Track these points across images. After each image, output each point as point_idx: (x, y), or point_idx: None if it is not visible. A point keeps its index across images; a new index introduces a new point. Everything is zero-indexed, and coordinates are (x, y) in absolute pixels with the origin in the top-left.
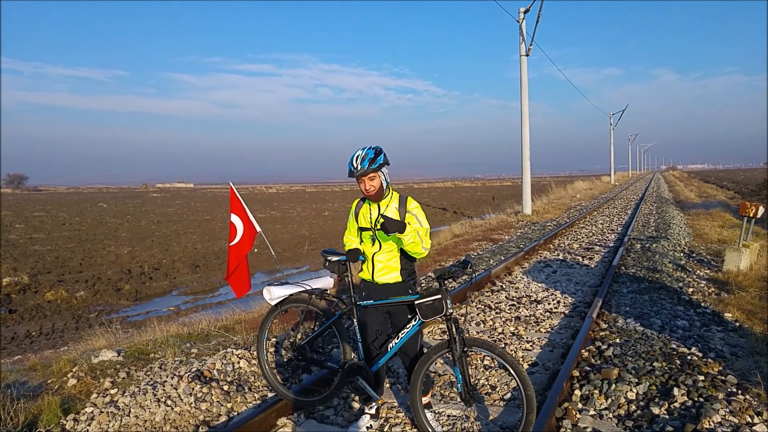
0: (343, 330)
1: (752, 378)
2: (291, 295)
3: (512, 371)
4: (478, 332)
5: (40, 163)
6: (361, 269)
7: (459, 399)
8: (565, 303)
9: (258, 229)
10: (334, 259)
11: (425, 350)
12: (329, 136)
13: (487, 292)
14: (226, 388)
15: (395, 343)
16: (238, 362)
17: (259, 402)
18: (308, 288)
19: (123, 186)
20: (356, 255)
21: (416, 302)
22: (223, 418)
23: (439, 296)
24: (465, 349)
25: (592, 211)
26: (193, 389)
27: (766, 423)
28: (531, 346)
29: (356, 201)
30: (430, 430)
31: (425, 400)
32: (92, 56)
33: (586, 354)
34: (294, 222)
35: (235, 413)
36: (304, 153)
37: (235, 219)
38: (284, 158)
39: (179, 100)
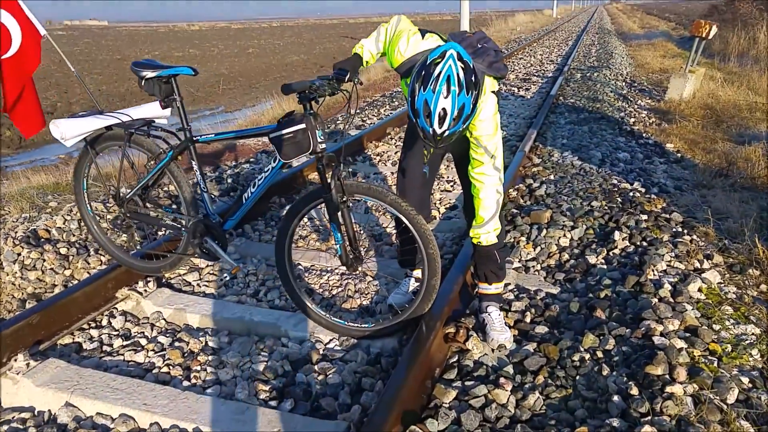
0: (180, 176)
1: (699, 214)
2: (106, 130)
3: (409, 224)
4: (391, 173)
5: None
6: None
7: (339, 263)
8: None
9: (42, 32)
10: (151, 75)
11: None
12: None
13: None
14: (64, 251)
15: (251, 192)
16: (95, 216)
17: (106, 267)
18: (122, 120)
19: None
20: (344, 73)
21: (271, 136)
22: (59, 289)
23: (303, 126)
24: (345, 199)
25: (532, 42)
26: (18, 255)
27: (716, 268)
28: (452, 186)
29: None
30: (304, 299)
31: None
32: None
33: (514, 194)
34: (214, 60)
35: (76, 282)
36: None
37: (6, 18)
38: None
39: None
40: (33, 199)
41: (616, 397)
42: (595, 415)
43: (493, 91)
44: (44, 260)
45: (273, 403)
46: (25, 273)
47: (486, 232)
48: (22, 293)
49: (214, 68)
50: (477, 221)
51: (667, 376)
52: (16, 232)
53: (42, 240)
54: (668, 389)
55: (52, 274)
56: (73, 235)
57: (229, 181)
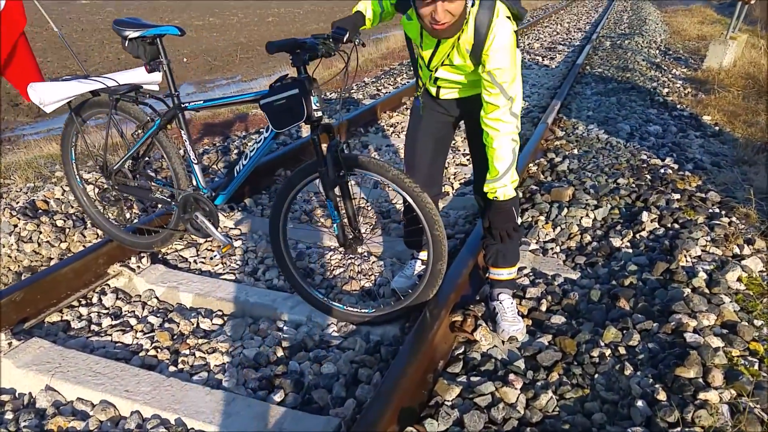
0: (170, 146)
1: (739, 194)
2: (92, 96)
3: (412, 202)
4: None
5: None
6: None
7: (336, 243)
8: None
9: None
10: (134, 34)
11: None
12: None
13: None
14: (60, 223)
15: (243, 165)
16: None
17: (98, 242)
18: (107, 85)
19: None
20: (343, 32)
21: (262, 102)
22: (55, 263)
23: (296, 91)
24: (342, 173)
25: (559, 10)
26: (14, 226)
27: (758, 254)
28: (468, 159)
29: None
30: (300, 281)
31: None
32: None
33: (534, 169)
34: (233, 29)
35: (71, 255)
36: None
37: None
38: None
39: None
40: (40, 169)
41: (640, 402)
42: (615, 421)
43: (508, 16)
44: (41, 232)
45: (262, 393)
46: (22, 245)
47: (503, 185)
48: (18, 266)
49: (233, 37)
50: (491, 174)
51: (701, 380)
52: (17, 203)
53: (39, 211)
54: (701, 396)
55: (48, 247)
56: (71, 207)
57: (236, 152)
